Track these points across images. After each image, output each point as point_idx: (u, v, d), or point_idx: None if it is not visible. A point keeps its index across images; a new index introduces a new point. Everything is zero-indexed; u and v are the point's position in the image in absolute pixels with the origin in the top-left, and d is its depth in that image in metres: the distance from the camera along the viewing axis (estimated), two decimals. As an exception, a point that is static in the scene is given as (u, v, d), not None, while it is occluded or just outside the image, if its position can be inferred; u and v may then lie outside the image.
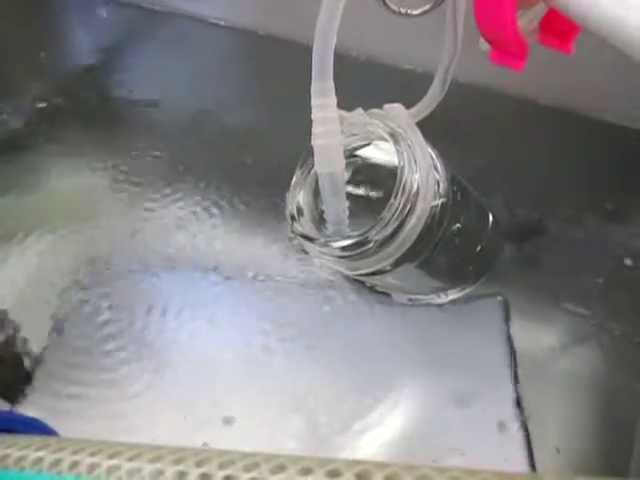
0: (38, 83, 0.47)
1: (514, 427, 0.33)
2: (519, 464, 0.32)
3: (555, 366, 0.36)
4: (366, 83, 0.41)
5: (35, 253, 0.40)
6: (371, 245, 0.21)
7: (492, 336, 0.36)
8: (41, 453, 0.14)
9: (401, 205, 0.21)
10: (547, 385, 0.35)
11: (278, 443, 0.32)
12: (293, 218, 0.24)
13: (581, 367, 0.36)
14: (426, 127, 0.24)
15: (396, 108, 0.23)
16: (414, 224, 0.21)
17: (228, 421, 0.34)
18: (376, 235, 0.21)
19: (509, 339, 0.37)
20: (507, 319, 0.37)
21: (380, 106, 0.24)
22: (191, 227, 0.40)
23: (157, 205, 0.41)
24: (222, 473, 0.13)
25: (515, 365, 0.35)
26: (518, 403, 0.34)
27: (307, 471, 0.12)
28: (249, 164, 0.43)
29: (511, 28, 0.15)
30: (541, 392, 0.35)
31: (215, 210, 0.41)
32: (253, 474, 0.12)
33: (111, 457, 0.13)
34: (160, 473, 0.12)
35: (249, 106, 0.45)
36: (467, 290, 0.31)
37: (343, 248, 0.22)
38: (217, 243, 0.40)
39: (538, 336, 0.37)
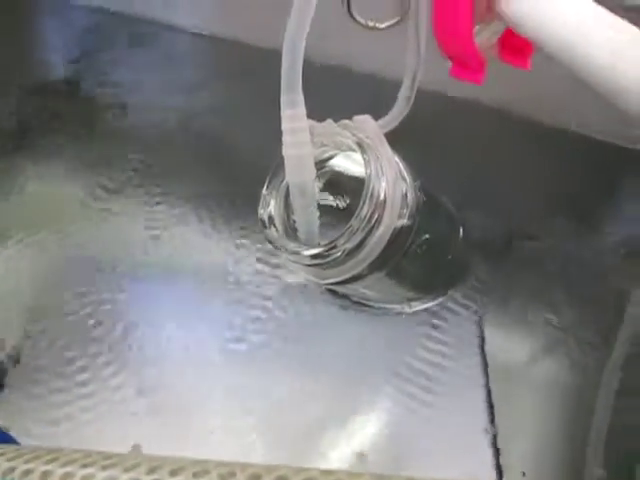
0: (13, 89, 0.47)
1: (484, 436, 0.33)
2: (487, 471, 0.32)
3: (528, 375, 0.36)
4: (342, 92, 0.42)
5: (8, 258, 0.40)
6: (339, 254, 0.21)
7: (465, 345, 0.37)
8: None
9: (368, 214, 0.21)
10: (519, 394, 0.36)
11: (248, 451, 0.33)
12: (265, 226, 0.24)
13: (553, 377, 0.37)
14: (396, 137, 0.24)
15: (365, 119, 0.23)
16: (382, 233, 0.21)
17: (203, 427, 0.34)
18: (344, 244, 0.21)
19: (482, 348, 0.37)
20: (481, 328, 0.38)
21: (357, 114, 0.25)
22: (167, 233, 0.41)
23: (131, 212, 0.41)
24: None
25: (487, 375, 0.36)
26: (489, 412, 0.34)
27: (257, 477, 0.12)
28: (223, 172, 0.43)
29: (468, 43, 0.16)
30: (513, 402, 0.35)
31: (192, 216, 0.41)
32: None
33: (65, 465, 0.13)
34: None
35: (225, 114, 0.46)
36: (438, 300, 0.32)
37: (312, 257, 0.22)
38: (193, 248, 0.40)
39: (511, 346, 0.37)
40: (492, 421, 0.33)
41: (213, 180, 0.43)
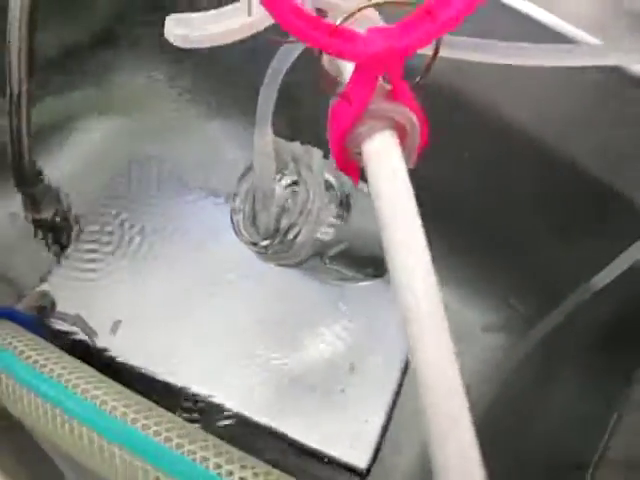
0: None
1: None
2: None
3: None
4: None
5: (89, 141, 0.46)
6: (268, 252, 0.30)
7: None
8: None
9: (289, 225, 0.29)
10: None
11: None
12: (233, 213, 0.33)
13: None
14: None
15: (315, 152, 0.31)
16: (303, 241, 0.30)
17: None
18: (275, 245, 0.30)
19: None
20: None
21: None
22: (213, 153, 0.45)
23: (193, 121, 0.46)
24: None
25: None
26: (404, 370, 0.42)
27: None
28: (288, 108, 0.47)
29: (339, 152, 0.22)
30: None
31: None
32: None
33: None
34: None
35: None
36: (374, 279, 0.39)
37: (264, 247, 0.31)
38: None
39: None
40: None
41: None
